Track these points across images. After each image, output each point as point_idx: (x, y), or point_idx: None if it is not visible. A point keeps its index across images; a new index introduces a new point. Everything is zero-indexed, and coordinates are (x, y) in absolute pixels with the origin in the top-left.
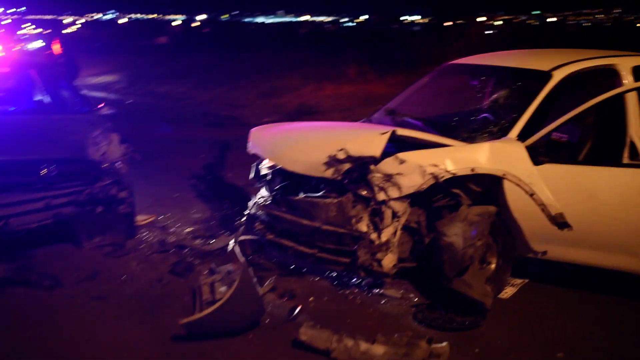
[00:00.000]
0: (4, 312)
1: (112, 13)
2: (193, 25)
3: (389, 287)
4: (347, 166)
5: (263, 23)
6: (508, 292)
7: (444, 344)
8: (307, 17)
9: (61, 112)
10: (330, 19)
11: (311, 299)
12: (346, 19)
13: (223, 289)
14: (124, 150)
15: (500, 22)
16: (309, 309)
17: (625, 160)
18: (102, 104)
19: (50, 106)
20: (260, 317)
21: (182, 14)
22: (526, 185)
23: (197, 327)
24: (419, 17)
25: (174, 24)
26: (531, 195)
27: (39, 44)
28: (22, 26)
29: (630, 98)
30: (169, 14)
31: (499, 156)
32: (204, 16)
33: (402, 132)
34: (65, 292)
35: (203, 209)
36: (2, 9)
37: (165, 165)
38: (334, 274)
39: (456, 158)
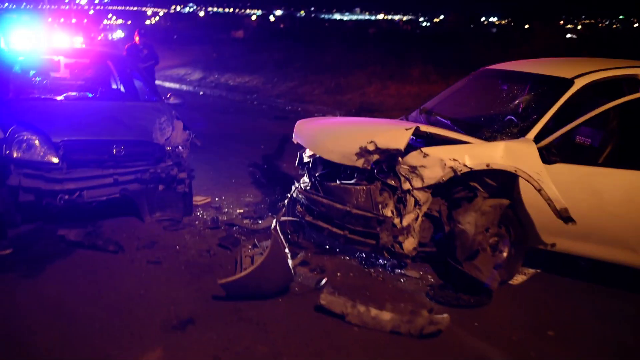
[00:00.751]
0: (73, 269)
1: (191, 6)
2: (270, 20)
3: (410, 269)
4: (375, 157)
5: (339, 20)
6: (518, 279)
7: (444, 315)
8: (381, 16)
9: (133, 100)
10: (405, 17)
11: (338, 274)
12: (422, 19)
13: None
14: (186, 136)
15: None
16: (335, 282)
17: None
18: (169, 94)
19: (124, 94)
20: (290, 285)
21: (260, 9)
22: (535, 181)
23: (234, 288)
24: (496, 18)
25: (252, 18)
26: (539, 190)
27: (119, 34)
28: (108, 16)
29: None
30: (247, 8)
31: (513, 154)
32: (280, 12)
33: (425, 128)
34: (126, 257)
35: (255, 194)
36: None
37: (227, 153)
38: (363, 255)
39: (474, 154)
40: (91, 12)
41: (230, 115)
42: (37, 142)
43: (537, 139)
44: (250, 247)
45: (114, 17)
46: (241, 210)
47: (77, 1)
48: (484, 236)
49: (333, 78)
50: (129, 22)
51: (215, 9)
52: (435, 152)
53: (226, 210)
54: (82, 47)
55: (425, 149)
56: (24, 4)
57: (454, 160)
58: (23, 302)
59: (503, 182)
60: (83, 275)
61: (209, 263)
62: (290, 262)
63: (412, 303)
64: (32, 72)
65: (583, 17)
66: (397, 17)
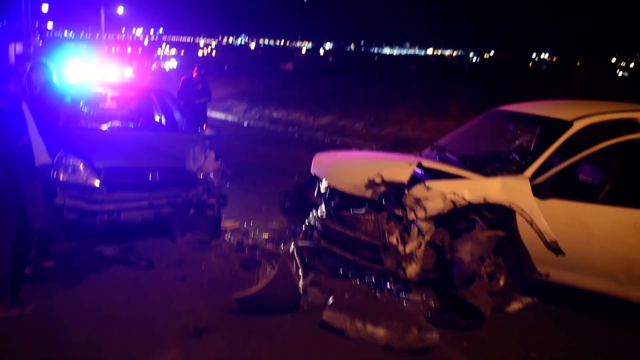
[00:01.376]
0: (108, 281)
1: (243, 37)
2: (320, 53)
3: (414, 293)
4: (382, 188)
5: (388, 54)
6: (514, 306)
7: (434, 334)
8: (431, 51)
9: (170, 131)
10: (455, 53)
11: (346, 295)
12: (473, 54)
13: None
14: (217, 165)
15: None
16: (342, 302)
17: None
18: (205, 125)
19: (163, 125)
20: (300, 302)
21: (311, 41)
22: (527, 214)
23: (247, 302)
24: (547, 55)
25: (302, 51)
26: (530, 223)
27: (173, 64)
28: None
29: None
30: (298, 41)
31: (508, 189)
32: (330, 45)
33: (426, 164)
34: (155, 272)
35: (282, 221)
36: (142, 28)
37: (262, 182)
38: (372, 279)
39: (472, 189)
40: (146, 42)
41: (270, 146)
42: (81, 166)
43: (535, 176)
44: (269, 268)
45: (168, 47)
46: (266, 236)
47: (133, 32)
48: (479, 264)
49: (373, 112)
50: (182, 52)
51: (266, 41)
52: (438, 186)
53: (252, 235)
54: (129, 81)
55: (428, 183)
56: (83, 32)
57: (454, 194)
58: (62, 307)
59: (501, 215)
60: (116, 287)
61: (229, 281)
62: (301, 282)
63: (405, 321)
64: (81, 103)
65: (638, 54)
66: (447, 52)
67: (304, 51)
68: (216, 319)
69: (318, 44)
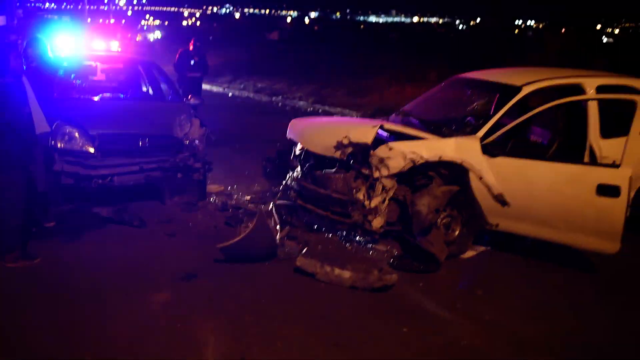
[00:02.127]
0: (105, 238)
1: (227, 7)
2: (305, 22)
3: (380, 244)
4: (349, 149)
5: (374, 22)
6: (469, 254)
7: (393, 275)
8: (417, 18)
9: (158, 100)
10: (442, 20)
11: (319, 246)
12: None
13: None
14: (202, 132)
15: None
16: (315, 252)
17: (586, 159)
18: (190, 96)
19: (150, 95)
20: (276, 252)
21: (296, 10)
22: (477, 170)
23: (229, 251)
24: (533, 21)
25: (287, 20)
26: (480, 178)
27: (158, 35)
28: (145, 17)
29: (592, 110)
30: (283, 10)
31: (460, 148)
32: (316, 13)
33: (388, 126)
34: (147, 230)
35: (264, 184)
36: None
37: (245, 149)
38: (343, 232)
39: (429, 148)
40: (129, 13)
41: (254, 115)
42: (76, 134)
43: (485, 137)
44: (250, 224)
45: (152, 18)
46: (248, 197)
47: (116, 2)
48: (434, 215)
49: (355, 81)
50: (166, 23)
51: (251, 10)
52: (399, 146)
53: (236, 197)
54: (117, 53)
55: (390, 144)
56: (64, 4)
57: (413, 153)
58: (65, 260)
59: (455, 172)
60: (112, 242)
61: (215, 236)
62: (278, 235)
63: (368, 265)
64: (73, 75)
65: (623, 20)
66: (433, 20)
67: (289, 20)
68: (203, 266)
69: (304, 12)
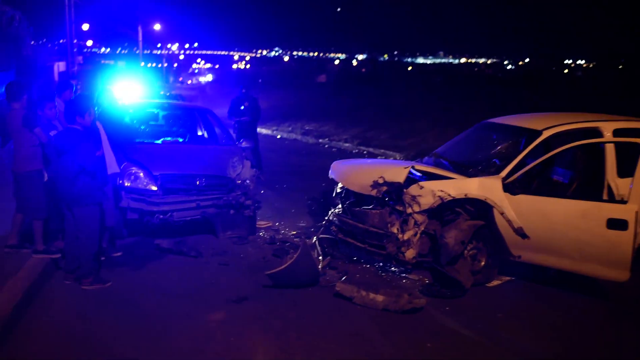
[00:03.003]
0: (166, 266)
1: (277, 50)
2: (352, 64)
3: (412, 274)
4: (384, 188)
5: (422, 64)
6: (494, 283)
7: (422, 299)
8: (464, 59)
9: (212, 144)
10: (490, 61)
11: (357, 275)
12: (507, 62)
13: None
14: (252, 173)
15: None
16: (354, 279)
17: (605, 197)
18: (242, 140)
19: (206, 139)
20: (318, 280)
21: (343, 53)
22: (499, 206)
23: (277, 278)
24: (583, 61)
25: (335, 62)
26: (502, 213)
27: (208, 77)
28: (197, 60)
29: (609, 152)
30: (331, 52)
31: (484, 187)
32: (364, 56)
33: (419, 167)
34: (203, 260)
35: (308, 221)
36: (177, 43)
37: (292, 189)
38: (380, 264)
39: (456, 187)
40: (181, 57)
41: (301, 156)
42: (141, 174)
43: (508, 176)
44: (295, 255)
45: (203, 62)
46: (294, 232)
47: (168, 46)
48: (461, 247)
49: (398, 123)
50: (217, 66)
51: (300, 53)
52: (429, 185)
53: (283, 232)
54: (176, 101)
55: (421, 183)
56: (119, 48)
57: (442, 191)
58: (132, 284)
59: (480, 208)
60: (173, 270)
61: (263, 267)
62: (320, 264)
63: (399, 290)
64: (137, 121)
65: None
66: (481, 60)
67: (337, 62)
68: (253, 291)
69: (351, 55)
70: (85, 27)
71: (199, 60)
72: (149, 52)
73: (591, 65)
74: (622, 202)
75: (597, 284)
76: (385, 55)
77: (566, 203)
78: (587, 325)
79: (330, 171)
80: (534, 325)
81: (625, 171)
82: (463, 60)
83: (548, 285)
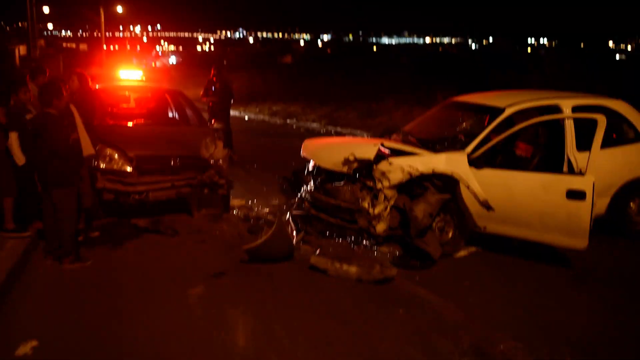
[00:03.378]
0: (144, 245)
1: (241, 31)
2: (318, 44)
3: (383, 246)
4: (355, 165)
5: (385, 44)
6: (461, 253)
7: (393, 269)
8: (429, 39)
9: (185, 125)
10: (454, 40)
11: (330, 249)
12: (471, 41)
13: None
14: (225, 153)
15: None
16: (327, 253)
17: (565, 169)
18: (214, 121)
19: (178, 121)
20: (293, 254)
21: (308, 33)
22: (464, 180)
23: (253, 253)
24: (546, 40)
25: (300, 43)
26: (467, 187)
27: (172, 59)
28: (160, 43)
29: (568, 127)
30: (296, 33)
31: (451, 162)
32: (328, 36)
33: (388, 144)
34: (180, 238)
35: (280, 198)
36: (139, 25)
37: (263, 168)
38: (352, 238)
39: (424, 162)
40: (144, 39)
41: (270, 137)
42: (116, 156)
43: (473, 152)
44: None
45: (166, 43)
46: (267, 209)
47: (130, 29)
48: (429, 220)
49: (365, 103)
50: (181, 48)
51: (264, 34)
52: (398, 161)
53: (256, 209)
54: (146, 84)
55: (391, 159)
56: (80, 31)
57: (410, 166)
58: (112, 263)
59: (447, 182)
60: (150, 249)
61: (239, 243)
62: (294, 240)
63: (371, 261)
64: (109, 104)
65: (637, 36)
66: (446, 40)
67: (302, 43)
68: (231, 266)
69: (316, 35)
70: (46, 9)
71: (162, 42)
72: (111, 35)
73: (554, 44)
74: (580, 173)
75: (557, 252)
76: (350, 36)
77: (528, 176)
78: (547, 290)
79: (302, 150)
80: (498, 291)
81: (583, 145)
82: (427, 39)
83: (512, 254)
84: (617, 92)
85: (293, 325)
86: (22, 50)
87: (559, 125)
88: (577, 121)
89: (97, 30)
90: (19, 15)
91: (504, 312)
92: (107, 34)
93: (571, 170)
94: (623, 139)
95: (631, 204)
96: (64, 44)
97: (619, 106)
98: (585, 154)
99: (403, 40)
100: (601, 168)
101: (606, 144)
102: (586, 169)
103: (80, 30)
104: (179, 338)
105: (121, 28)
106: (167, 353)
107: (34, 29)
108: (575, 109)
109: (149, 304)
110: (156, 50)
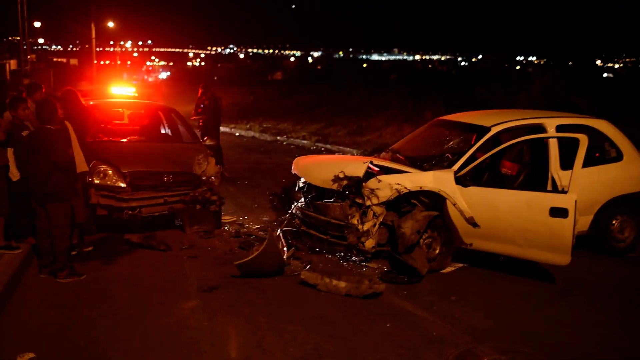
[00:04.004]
0: (137, 260)
1: (231, 48)
2: (308, 61)
3: (372, 262)
4: (344, 182)
5: (375, 60)
6: (448, 269)
7: (381, 284)
8: (419, 57)
9: (178, 141)
10: (444, 57)
11: (320, 265)
12: (461, 58)
13: None
14: (217, 169)
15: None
16: (317, 268)
17: (549, 187)
18: (206, 138)
19: (171, 137)
20: (284, 269)
21: (299, 50)
22: (451, 198)
23: (245, 268)
24: (535, 57)
25: (291, 59)
26: (454, 204)
27: (163, 75)
28: (151, 58)
29: (552, 146)
30: (286, 49)
31: (438, 180)
32: (319, 53)
33: (377, 162)
34: (172, 253)
35: (271, 215)
36: (130, 41)
37: (254, 185)
38: (342, 254)
39: (412, 180)
40: (135, 54)
41: (260, 154)
42: (110, 172)
43: (459, 170)
44: (262, 246)
45: (157, 59)
46: (258, 226)
47: (121, 44)
48: (417, 236)
49: (355, 120)
50: (172, 64)
51: (255, 50)
52: (386, 179)
53: (247, 226)
54: (140, 101)
55: (379, 177)
56: (71, 46)
57: (398, 184)
58: (106, 277)
59: (435, 200)
60: (144, 263)
61: (230, 258)
62: (285, 255)
63: (360, 276)
64: (103, 120)
65: (624, 55)
66: (435, 57)
67: (292, 59)
68: (223, 280)
69: (307, 52)
70: (37, 24)
71: (153, 57)
72: (101, 49)
73: (542, 62)
74: (563, 192)
75: (541, 268)
76: (341, 53)
77: (513, 194)
78: (531, 305)
79: (292, 167)
80: (484, 306)
81: (567, 164)
82: (417, 57)
83: (497, 270)
84: (603, 111)
85: (284, 338)
86: (12, 64)
87: (544, 144)
88: (561, 140)
89: (87, 45)
90: (8, 30)
91: (488, 326)
92: (97, 48)
93: (555, 189)
94: (606, 158)
95: (614, 221)
96: (55, 59)
97: (602, 126)
98: (568, 173)
99: (393, 57)
100: (584, 186)
101: (589, 162)
102: (569, 187)
103: (71, 45)
104: (172, 350)
105: (112, 43)
106: None
107: (26, 44)
108: (559, 129)
109: (142, 317)
110: (147, 65)
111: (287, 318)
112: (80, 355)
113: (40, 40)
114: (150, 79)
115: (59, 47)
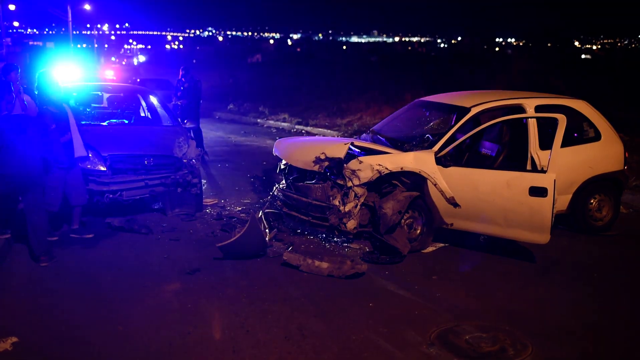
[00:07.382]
0: (119, 243)
1: (210, 30)
2: (287, 43)
3: (354, 243)
4: (326, 163)
5: (355, 42)
6: (429, 249)
7: (363, 264)
8: (398, 38)
9: (158, 124)
10: (424, 39)
11: (302, 246)
12: (440, 40)
13: None
14: (198, 152)
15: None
16: (299, 250)
17: (528, 167)
18: (186, 120)
19: (150, 120)
20: (266, 251)
21: (278, 32)
22: (432, 178)
23: (227, 250)
24: (513, 39)
25: (270, 42)
26: (435, 184)
27: (141, 58)
28: (129, 41)
29: (531, 126)
30: (265, 32)
31: (418, 160)
32: (298, 35)
33: (358, 143)
34: (154, 236)
35: (252, 197)
36: (107, 24)
37: (235, 167)
38: (323, 235)
39: (393, 161)
40: (113, 37)
41: (241, 136)
42: (90, 155)
43: (440, 150)
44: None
45: (135, 42)
46: (239, 208)
47: (98, 27)
48: (398, 216)
49: (335, 102)
50: (149, 47)
51: (234, 33)
52: (367, 160)
53: (229, 208)
54: (118, 83)
55: (361, 158)
56: (46, 29)
57: (380, 165)
58: (89, 260)
59: (415, 180)
60: (126, 246)
61: (212, 241)
62: (267, 236)
63: (342, 257)
64: (82, 104)
65: (602, 37)
66: (415, 39)
67: (271, 42)
68: (205, 263)
69: (286, 34)
70: (12, 7)
71: (130, 40)
72: (78, 32)
73: (521, 44)
74: (542, 171)
75: (521, 247)
76: (320, 35)
77: (493, 174)
78: (512, 283)
79: (274, 149)
80: (466, 285)
81: (546, 144)
82: (397, 39)
83: (478, 250)
84: (581, 91)
85: (267, 319)
86: None
87: (523, 124)
88: (540, 120)
89: (63, 29)
90: None
91: (470, 304)
92: (74, 31)
93: (534, 168)
94: (584, 138)
95: (592, 200)
96: (30, 42)
97: (580, 106)
98: (547, 152)
99: (372, 39)
100: (563, 166)
101: (568, 142)
102: (548, 166)
103: (47, 29)
104: (156, 332)
105: (88, 26)
106: (144, 347)
107: (1, 27)
108: (538, 109)
109: (125, 300)
110: (124, 49)
111: (270, 299)
112: (62, 339)
113: (16, 24)
114: (127, 62)
115: (35, 30)
